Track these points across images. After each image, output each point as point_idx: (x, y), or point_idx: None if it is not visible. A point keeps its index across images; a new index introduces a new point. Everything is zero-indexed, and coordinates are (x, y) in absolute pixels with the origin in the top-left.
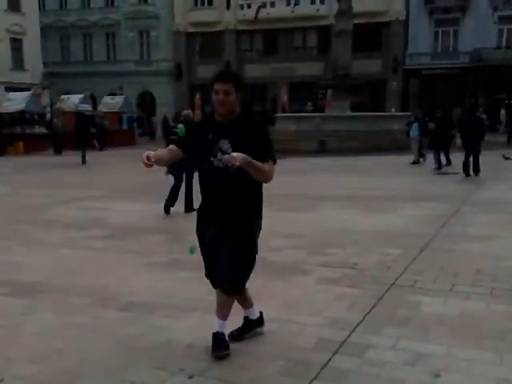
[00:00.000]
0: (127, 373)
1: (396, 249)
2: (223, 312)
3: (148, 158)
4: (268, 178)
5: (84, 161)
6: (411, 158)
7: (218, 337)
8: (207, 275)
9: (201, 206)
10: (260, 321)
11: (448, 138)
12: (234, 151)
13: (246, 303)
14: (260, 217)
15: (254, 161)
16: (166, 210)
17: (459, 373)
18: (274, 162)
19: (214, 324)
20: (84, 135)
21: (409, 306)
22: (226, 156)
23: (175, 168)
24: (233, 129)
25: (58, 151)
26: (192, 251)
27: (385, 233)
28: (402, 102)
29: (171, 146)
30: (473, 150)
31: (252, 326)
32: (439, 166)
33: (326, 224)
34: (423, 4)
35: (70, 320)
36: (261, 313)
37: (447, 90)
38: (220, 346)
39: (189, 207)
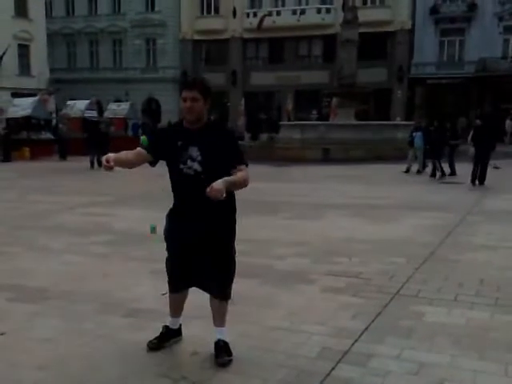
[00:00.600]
0: (131, 380)
1: (400, 258)
2: (221, 319)
3: (107, 161)
4: (245, 185)
5: (96, 164)
6: (416, 166)
7: (219, 344)
8: (174, 281)
9: (172, 209)
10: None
11: (451, 146)
12: (203, 158)
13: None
14: (234, 221)
15: (231, 178)
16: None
17: (463, 383)
18: (247, 165)
19: (215, 333)
20: (95, 141)
21: (413, 316)
22: (208, 191)
23: None
24: (201, 136)
25: (63, 156)
26: (152, 230)
27: (389, 242)
28: (407, 111)
29: (139, 149)
30: (482, 159)
31: (171, 336)
32: (443, 173)
33: (331, 232)
34: (429, 14)
35: (75, 326)
36: (180, 324)
37: (452, 99)
38: (223, 353)
39: None
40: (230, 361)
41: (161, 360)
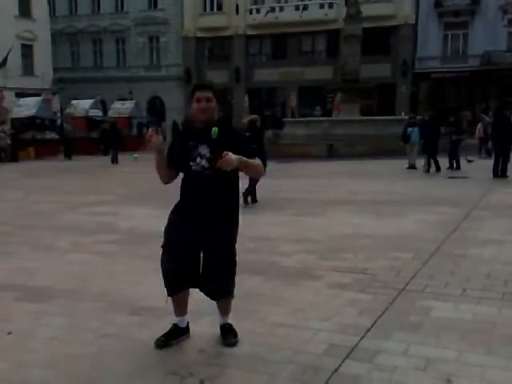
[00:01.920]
0: (139, 377)
1: (407, 253)
2: (227, 310)
3: (152, 137)
4: (260, 171)
5: (114, 160)
6: (421, 161)
7: (225, 327)
8: (171, 283)
9: (176, 208)
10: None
11: (454, 141)
12: (211, 155)
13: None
14: (237, 219)
15: (246, 159)
16: (245, 201)
17: (471, 378)
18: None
19: (219, 319)
20: (115, 139)
21: (420, 311)
22: (223, 154)
23: None
24: (210, 134)
25: (69, 156)
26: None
27: (395, 237)
28: (412, 106)
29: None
30: (502, 153)
31: (180, 334)
32: (451, 167)
33: (337, 228)
34: (432, 7)
35: (82, 325)
36: (188, 322)
37: (457, 93)
38: (230, 335)
39: (253, 199)
40: (237, 341)
41: (168, 357)
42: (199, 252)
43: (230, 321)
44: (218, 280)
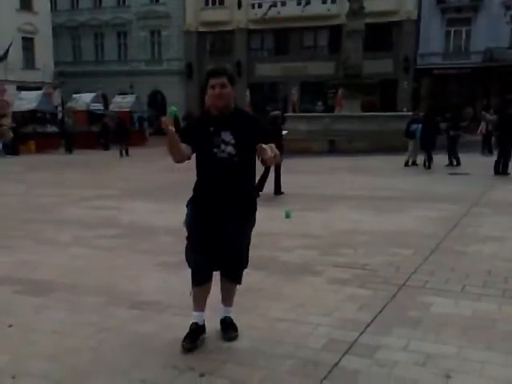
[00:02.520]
0: (139, 371)
1: (407, 249)
2: (231, 299)
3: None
4: (279, 159)
5: (124, 153)
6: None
7: (226, 321)
8: (199, 269)
9: (196, 197)
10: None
11: (452, 137)
12: (236, 142)
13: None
14: (256, 207)
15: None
16: (257, 192)
17: (470, 374)
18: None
19: (220, 311)
20: (125, 133)
21: (420, 307)
22: (268, 155)
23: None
24: (232, 121)
25: (69, 150)
26: (288, 215)
27: (396, 233)
28: (414, 102)
29: (183, 144)
30: (504, 150)
31: (200, 333)
32: (451, 163)
33: (337, 224)
34: (435, 3)
35: (83, 318)
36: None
37: (459, 90)
38: (230, 329)
39: (278, 191)
40: (237, 336)
41: (168, 351)
42: (224, 236)
43: (231, 315)
44: (237, 262)
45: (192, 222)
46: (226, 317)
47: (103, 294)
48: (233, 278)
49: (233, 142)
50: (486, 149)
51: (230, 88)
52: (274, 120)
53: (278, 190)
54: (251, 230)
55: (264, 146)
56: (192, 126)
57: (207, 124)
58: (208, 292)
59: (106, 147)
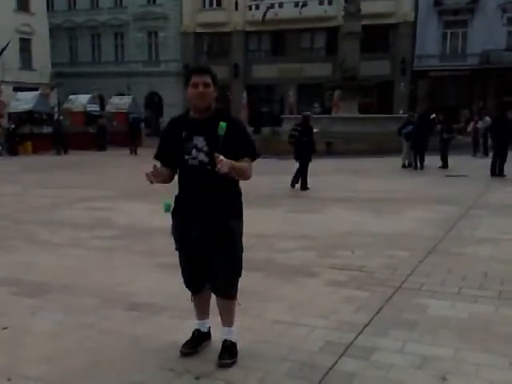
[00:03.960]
0: (135, 373)
1: (403, 251)
2: (228, 319)
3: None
4: (248, 177)
5: (133, 152)
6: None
7: (225, 345)
8: (188, 282)
9: (176, 205)
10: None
11: (445, 140)
12: (209, 149)
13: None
14: (241, 215)
15: (239, 164)
16: (292, 185)
17: (466, 376)
18: (253, 159)
19: (221, 332)
20: (135, 133)
21: (416, 309)
22: (219, 159)
23: (298, 155)
24: (208, 125)
25: (60, 151)
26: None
27: (393, 235)
28: (410, 104)
29: (163, 168)
30: (500, 152)
31: (203, 339)
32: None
33: (334, 226)
34: (432, 6)
35: (78, 320)
36: (209, 327)
37: (455, 92)
38: (225, 355)
39: (304, 186)
40: (233, 363)
41: (164, 353)
42: (204, 248)
43: (233, 337)
44: (222, 276)
45: (174, 234)
46: (225, 339)
47: (99, 296)
48: (220, 293)
49: (205, 148)
50: (478, 150)
51: (213, 88)
52: (305, 119)
53: (304, 186)
54: (237, 241)
55: (221, 157)
56: (163, 139)
57: (181, 128)
58: (206, 300)
59: (102, 148)
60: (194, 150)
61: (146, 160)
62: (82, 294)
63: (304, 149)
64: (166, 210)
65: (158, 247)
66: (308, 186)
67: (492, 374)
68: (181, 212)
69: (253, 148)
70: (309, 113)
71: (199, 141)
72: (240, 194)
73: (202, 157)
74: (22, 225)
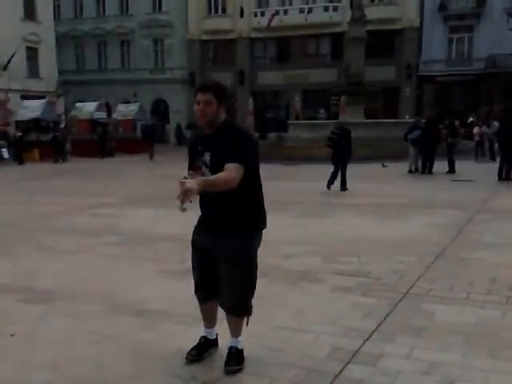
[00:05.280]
0: (141, 380)
1: (410, 257)
2: (236, 331)
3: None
4: (228, 185)
5: (152, 157)
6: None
7: (231, 351)
8: (197, 289)
9: (198, 220)
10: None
11: (450, 144)
12: (211, 164)
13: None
14: (256, 229)
15: (210, 178)
16: (328, 187)
17: (474, 382)
18: (244, 166)
19: (229, 341)
20: (151, 140)
21: (423, 315)
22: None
23: (335, 158)
24: (214, 140)
25: (62, 159)
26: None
27: (399, 240)
28: (416, 109)
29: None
30: (507, 156)
31: (209, 346)
32: (451, 169)
33: (340, 231)
34: (437, 11)
35: (84, 327)
36: (216, 334)
37: (462, 96)
38: (232, 362)
39: (344, 187)
40: (239, 369)
41: (171, 360)
42: (213, 261)
43: (239, 344)
44: (228, 293)
45: (191, 240)
46: (231, 346)
47: (105, 302)
48: (226, 310)
49: (209, 164)
50: (482, 155)
51: (217, 105)
52: (342, 125)
53: (343, 187)
54: (245, 263)
55: (188, 179)
56: (189, 151)
57: (199, 142)
58: (213, 310)
59: (105, 155)
60: (203, 167)
61: (157, 166)
62: (88, 301)
63: (342, 151)
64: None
65: (164, 253)
66: (347, 186)
67: (500, 380)
68: (198, 222)
69: (244, 156)
70: (343, 119)
71: (207, 156)
72: (255, 209)
73: (207, 172)
74: (28, 232)
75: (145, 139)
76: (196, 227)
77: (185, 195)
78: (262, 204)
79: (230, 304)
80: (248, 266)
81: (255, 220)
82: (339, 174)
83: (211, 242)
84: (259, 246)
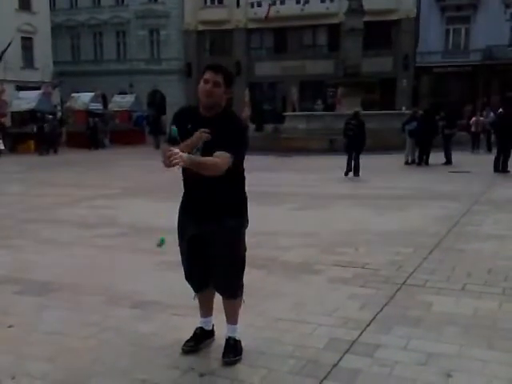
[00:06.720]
0: (139, 371)
1: (407, 248)
2: (232, 317)
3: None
4: (215, 171)
5: (158, 147)
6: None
7: (229, 342)
8: (189, 277)
9: (181, 201)
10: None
11: (446, 136)
12: (204, 148)
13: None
14: (242, 215)
15: (200, 158)
16: (346, 174)
17: (471, 373)
18: (234, 156)
19: (226, 330)
20: (157, 130)
21: (420, 306)
22: (169, 152)
23: (350, 146)
24: (211, 124)
25: (42, 151)
26: (161, 244)
27: (396, 232)
28: (413, 100)
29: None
30: (504, 147)
31: (206, 337)
32: (448, 161)
33: (338, 223)
34: (434, 2)
35: (83, 318)
36: (213, 325)
37: (458, 88)
38: (230, 353)
39: (357, 173)
40: (237, 360)
41: (169, 351)
42: (203, 246)
43: (237, 334)
44: (221, 275)
45: (177, 230)
46: (229, 337)
47: (103, 294)
48: (221, 292)
49: (201, 148)
50: (477, 146)
51: (224, 89)
52: (357, 114)
53: (356, 172)
54: (237, 239)
55: (175, 150)
56: (175, 123)
57: (188, 119)
58: (210, 298)
59: (96, 146)
60: (194, 149)
61: (155, 158)
62: (86, 293)
63: (357, 141)
64: (159, 244)
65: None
66: (359, 173)
67: (497, 370)
68: (181, 209)
69: (238, 149)
70: (359, 109)
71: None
72: (242, 191)
73: (198, 154)
74: (26, 223)
75: (150, 131)
76: (180, 214)
77: (174, 159)
78: (245, 192)
79: (225, 286)
80: (239, 243)
81: (242, 204)
82: (357, 160)
83: (197, 228)
84: (247, 226)
